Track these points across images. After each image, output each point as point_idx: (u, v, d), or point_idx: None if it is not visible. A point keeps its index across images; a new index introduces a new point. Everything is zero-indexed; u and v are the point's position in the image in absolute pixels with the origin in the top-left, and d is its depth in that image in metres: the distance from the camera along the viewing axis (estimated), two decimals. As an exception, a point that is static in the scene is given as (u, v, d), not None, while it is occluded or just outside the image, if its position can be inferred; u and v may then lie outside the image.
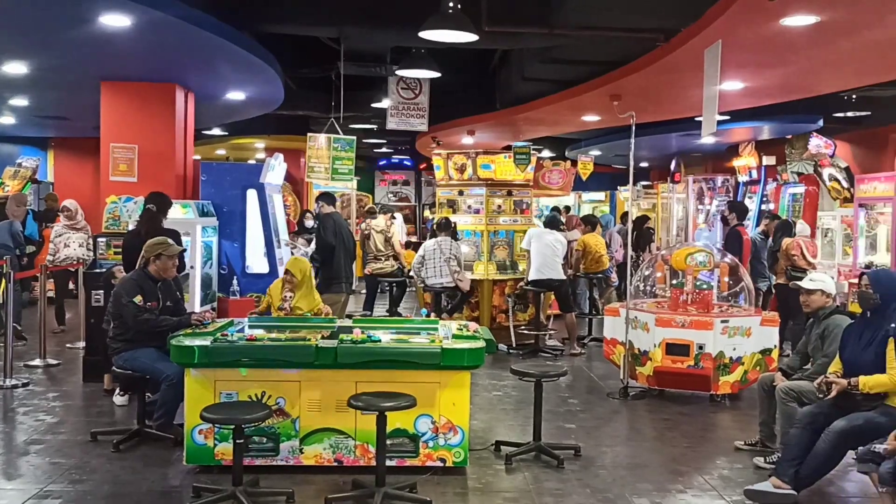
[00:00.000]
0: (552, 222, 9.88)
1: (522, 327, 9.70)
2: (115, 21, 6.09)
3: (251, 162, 19.59)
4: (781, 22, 5.69)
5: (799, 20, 5.65)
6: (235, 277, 8.13)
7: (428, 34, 6.63)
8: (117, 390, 6.80)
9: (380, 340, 5.21)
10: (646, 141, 13.33)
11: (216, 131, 15.62)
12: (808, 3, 5.28)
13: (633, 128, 7.67)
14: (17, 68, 8.14)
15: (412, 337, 5.61)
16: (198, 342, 5.02)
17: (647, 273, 8.15)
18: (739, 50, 6.51)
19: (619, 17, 6.73)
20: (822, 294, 5.45)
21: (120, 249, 7.96)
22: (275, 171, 8.87)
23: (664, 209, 17.72)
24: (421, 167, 22.92)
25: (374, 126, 14.53)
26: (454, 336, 5.42)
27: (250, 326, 5.83)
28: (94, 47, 7.13)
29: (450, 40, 6.82)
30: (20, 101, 10.76)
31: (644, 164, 20.74)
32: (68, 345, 9.20)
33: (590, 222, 11.29)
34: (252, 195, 8.50)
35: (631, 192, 10.04)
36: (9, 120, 13.08)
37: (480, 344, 5.16)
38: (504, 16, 7.10)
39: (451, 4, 6.33)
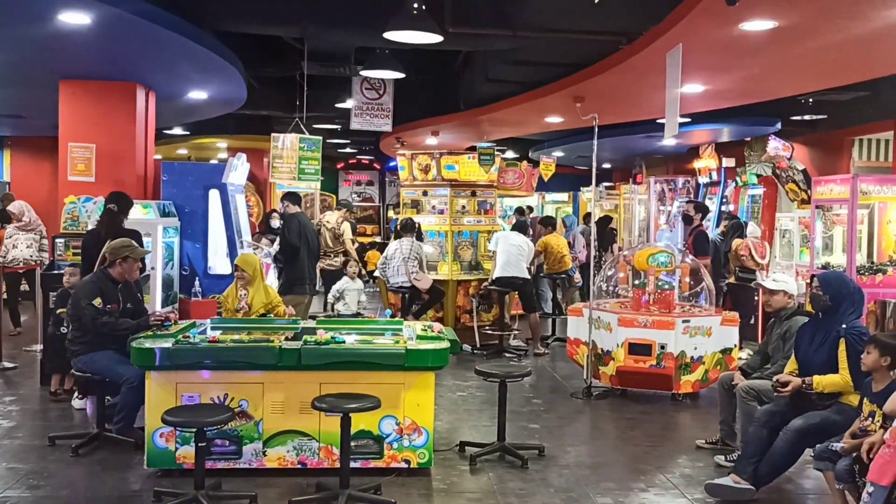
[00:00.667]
0: (521, 227, 9.93)
1: (487, 327, 9.74)
2: (74, 18, 5.98)
3: (213, 162, 19.39)
4: (740, 26, 5.79)
5: (758, 25, 5.76)
6: (197, 278, 8.03)
7: (392, 35, 6.62)
8: (76, 394, 6.69)
9: (344, 342, 5.19)
10: (608, 142, 13.45)
11: (178, 130, 15.43)
12: (767, 8, 5.38)
13: (596, 130, 7.75)
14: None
15: (376, 338, 5.60)
16: (159, 344, 4.96)
17: (609, 273, 8.24)
18: (700, 53, 6.61)
19: (581, 20, 6.79)
20: (785, 295, 5.55)
21: (79, 250, 7.86)
22: (237, 171, 8.79)
23: (626, 210, 17.90)
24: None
25: (339, 126, 14.47)
26: (418, 337, 5.43)
27: (212, 328, 5.77)
28: (52, 45, 6.99)
29: (414, 41, 6.82)
30: (-25, 99, 10.52)
31: (607, 166, 20.94)
32: (25, 348, 9.02)
33: (549, 223, 11.36)
34: (214, 195, 8.41)
35: (594, 193, 10.13)
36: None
37: (445, 345, 5.18)
38: (468, 17, 7.13)
39: (415, 5, 6.34)
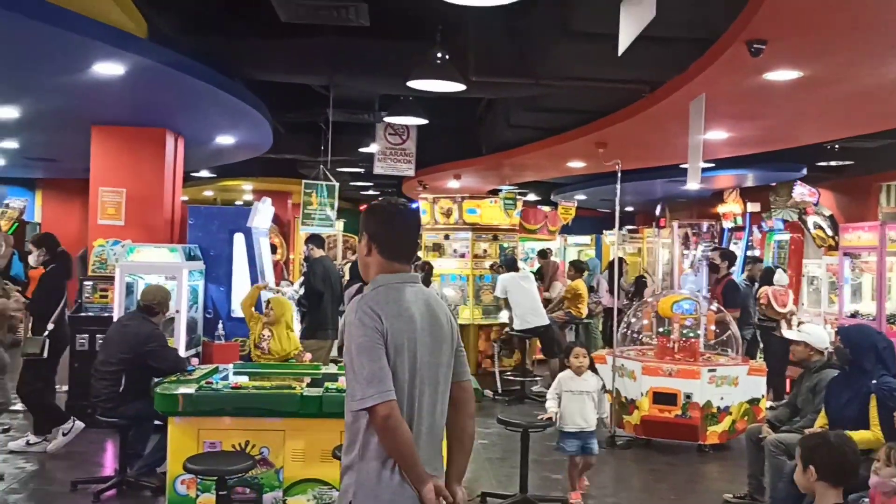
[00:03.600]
0: (512, 263, 9.69)
1: (508, 373, 9.67)
2: (108, 69, 6.13)
3: (238, 203, 19.64)
4: (764, 76, 5.81)
5: (782, 75, 5.77)
6: (221, 322, 8.07)
7: (415, 84, 6.71)
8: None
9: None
10: (631, 186, 13.45)
11: (204, 173, 15.65)
12: (791, 58, 5.40)
13: (619, 175, 7.76)
14: (8, 112, 8.15)
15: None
16: (182, 390, 4.97)
17: (633, 320, 8.18)
18: (723, 102, 6.63)
19: (604, 69, 6.84)
20: (807, 347, 5.47)
21: (106, 293, 7.96)
22: (262, 215, 8.88)
23: (649, 254, 17.81)
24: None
25: (362, 170, 14.61)
26: (441, 385, 5.39)
27: (235, 373, 5.79)
28: (85, 93, 7.16)
29: (437, 89, 6.91)
30: (10, 144, 10.75)
31: (629, 209, 20.90)
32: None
33: (580, 268, 11.23)
34: (239, 239, 8.49)
35: (616, 237, 10.11)
36: (-3, 162, 13.06)
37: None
38: (490, 66, 7.20)
39: (438, 55, 6.43)
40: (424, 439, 2.54)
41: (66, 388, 7.87)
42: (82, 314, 7.92)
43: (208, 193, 19.23)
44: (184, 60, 6.34)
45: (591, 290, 11.38)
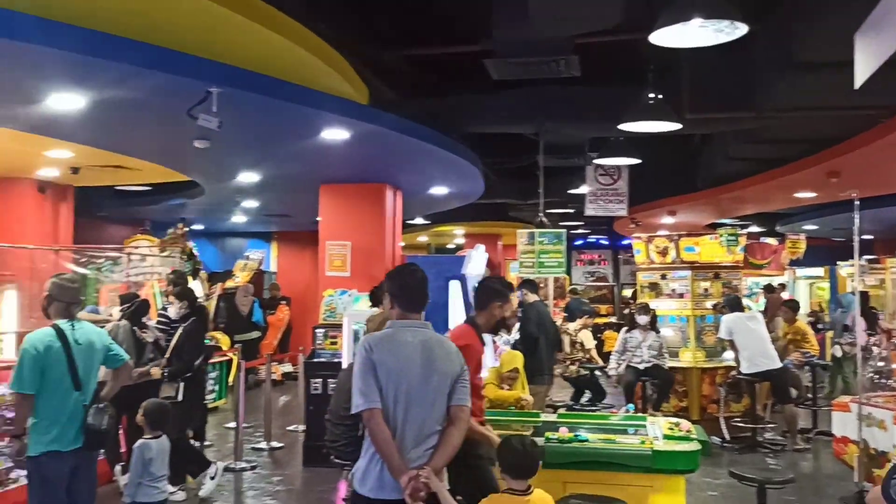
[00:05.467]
0: (736, 303, 9.11)
1: (736, 419, 9.11)
2: (335, 135, 6.65)
3: (450, 246, 20.31)
4: None
5: None
6: (440, 367, 8.31)
7: (628, 126, 6.64)
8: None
9: (587, 440, 5.09)
10: (870, 213, 12.32)
11: (419, 220, 16.40)
12: None
13: (857, 206, 7.14)
14: (251, 177, 9.07)
15: (620, 436, 5.43)
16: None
17: (881, 363, 7.43)
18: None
19: (833, 98, 6.38)
20: None
21: (335, 340, 8.49)
22: (476, 262, 9.11)
23: (894, 285, 16.13)
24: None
25: (572, 210, 14.60)
26: (665, 436, 5.19)
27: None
28: (315, 157, 7.80)
29: (651, 130, 6.78)
30: (251, 203, 11.94)
31: (868, 237, 19.12)
32: (289, 427, 9.78)
33: (794, 308, 10.38)
34: (455, 286, 8.75)
35: (856, 269, 9.26)
36: (240, 219, 14.52)
37: (695, 446, 4.89)
38: (706, 102, 6.97)
39: (651, 96, 6.32)
40: (410, 442, 3.33)
41: (302, 427, 8.46)
42: (315, 359, 8.48)
43: (422, 239, 20.05)
44: (403, 122, 6.73)
45: (845, 328, 10.45)
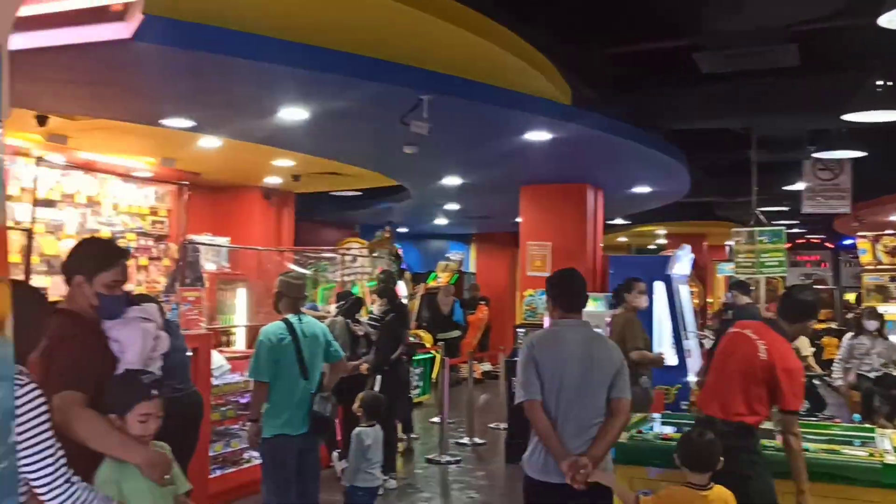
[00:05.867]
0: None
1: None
2: (538, 136, 6.72)
3: (651, 247, 19.77)
4: None
5: None
6: (645, 371, 8.14)
7: (852, 116, 6.16)
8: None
9: (808, 449, 4.78)
10: None
11: (618, 220, 16.11)
12: None
13: None
14: (453, 180, 9.37)
15: (844, 447, 5.05)
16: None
17: None
18: None
19: None
20: None
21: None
22: (682, 262, 8.83)
23: None
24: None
25: (786, 208, 13.70)
26: (897, 449, 4.76)
27: (662, 423, 5.78)
28: (517, 158, 7.91)
29: (879, 120, 6.25)
30: (452, 206, 12.31)
31: None
32: (490, 424, 9.96)
33: None
34: (660, 287, 8.53)
35: None
36: (442, 221, 15.01)
37: (934, 464, 4.46)
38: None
39: (878, 83, 5.83)
40: (572, 433, 3.56)
41: (504, 424, 8.60)
42: (515, 359, 8.59)
43: (622, 239, 19.68)
44: (606, 121, 6.67)
45: None
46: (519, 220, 10.17)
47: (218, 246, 9.26)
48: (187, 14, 4.44)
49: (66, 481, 2.25)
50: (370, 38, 5.23)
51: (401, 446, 8.18)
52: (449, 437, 8.50)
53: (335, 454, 7.25)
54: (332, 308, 8.21)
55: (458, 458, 8.16)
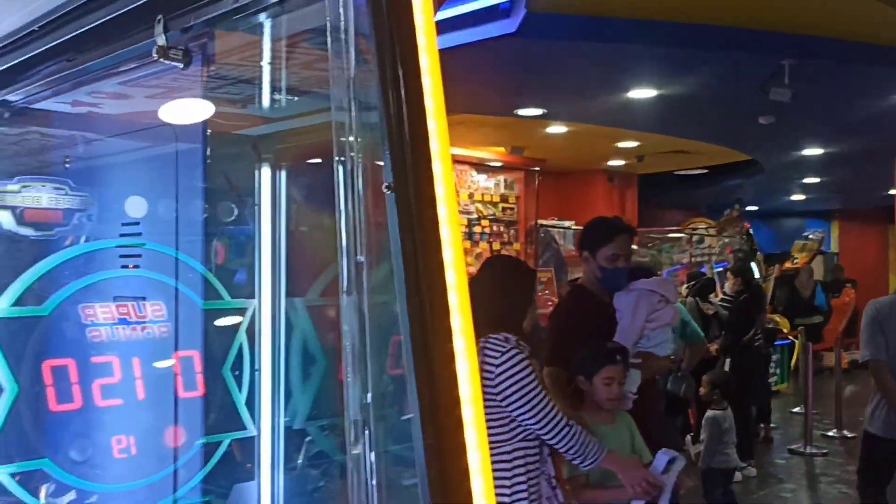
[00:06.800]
0: None
1: None
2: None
3: None
4: None
5: None
6: None
7: None
8: None
9: None
10: None
11: None
12: None
13: None
14: (813, 151, 8.67)
15: None
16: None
17: None
18: None
19: None
20: None
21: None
22: None
23: None
24: None
25: None
26: None
27: None
28: (888, 121, 7.10)
29: None
30: (810, 180, 11.37)
31: None
32: (860, 418, 9.07)
33: None
34: None
35: None
36: (798, 197, 13.91)
37: None
38: None
39: None
40: None
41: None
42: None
43: None
44: None
45: None
46: (893, 192, 9.09)
47: (566, 229, 9.58)
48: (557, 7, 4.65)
49: (567, 424, 2.46)
50: (726, 7, 5.05)
51: (759, 434, 7.81)
52: (813, 429, 7.92)
53: (688, 437, 7.16)
54: (683, 289, 8.07)
55: (825, 451, 7.57)
